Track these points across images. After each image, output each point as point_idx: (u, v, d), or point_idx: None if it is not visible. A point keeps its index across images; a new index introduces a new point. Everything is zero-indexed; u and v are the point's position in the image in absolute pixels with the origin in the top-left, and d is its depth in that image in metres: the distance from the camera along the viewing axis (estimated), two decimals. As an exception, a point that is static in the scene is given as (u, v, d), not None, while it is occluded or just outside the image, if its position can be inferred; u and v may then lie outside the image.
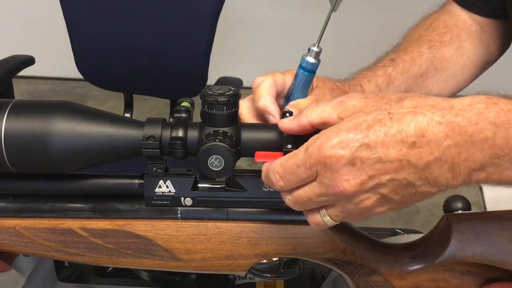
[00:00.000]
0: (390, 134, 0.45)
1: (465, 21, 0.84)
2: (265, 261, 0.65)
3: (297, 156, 0.48)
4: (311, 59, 0.62)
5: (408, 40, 0.83)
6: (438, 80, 0.81)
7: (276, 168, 0.50)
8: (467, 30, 0.83)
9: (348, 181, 0.46)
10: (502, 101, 0.46)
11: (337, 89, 0.69)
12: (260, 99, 0.61)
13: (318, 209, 0.51)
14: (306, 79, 0.64)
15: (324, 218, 0.51)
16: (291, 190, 0.51)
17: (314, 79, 0.65)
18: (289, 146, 0.53)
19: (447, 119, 0.45)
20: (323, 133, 0.48)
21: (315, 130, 0.51)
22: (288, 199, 0.51)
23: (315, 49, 0.62)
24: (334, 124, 0.48)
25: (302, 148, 0.49)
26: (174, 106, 0.67)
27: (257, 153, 0.55)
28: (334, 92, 0.69)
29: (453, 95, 0.84)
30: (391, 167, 0.46)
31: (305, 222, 0.60)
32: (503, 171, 0.46)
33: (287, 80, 0.65)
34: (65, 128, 0.55)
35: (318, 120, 0.50)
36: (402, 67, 0.78)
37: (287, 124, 0.53)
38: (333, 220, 0.51)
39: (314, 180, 0.48)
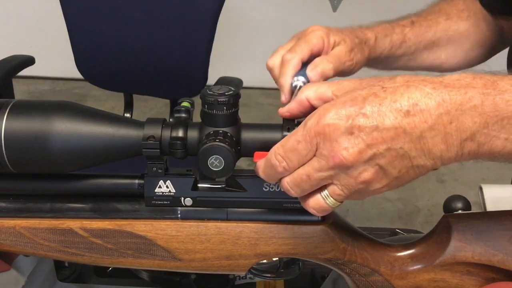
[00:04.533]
0: (385, 104, 0.47)
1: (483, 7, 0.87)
2: (265, 261, 0.65)
3: (297, 133, 0.50)
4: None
5: (430, 9, 0.87)
6: (447, 49, 0.85)
7: (277, 150, 0.51)
8: (484, 13, 0.86)
9: (347, 149, 0.47)
10: (487, 75, 0.49)
11: (355, 47, 0.73)
12: (282, 77, 0.67)
13: (319, 191, 0.51)
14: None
15: (327, 200, 0.51)
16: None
17: (332, 36, 0.71)
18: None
19: (437, 90, 0.47)
20: (320, 107, 0.49)
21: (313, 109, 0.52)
22: (287, 182, 0.51)
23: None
24: (329, 101, 0.51)
25: (300, 125, 0.50)
26: (174, 106, 0.68)
27: (256, 153, 0.55)
28: (352, 52, 0.73)
29: (460, 69, 0.88)
30: (387, 135, 0.47)
31: (305, 222, 0.60)
32: (493, 140, 0.48)
33: (313, 48, 0.69)
34: (65, 128, 0.55)
35: (313, 95, 0.53)
36: (419, 30, 0.83)
37: (287, 107, 0.55)
38: (335, 200, 0.51)
39: (314, 156, 0.49)
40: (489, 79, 0.48)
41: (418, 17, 0.85)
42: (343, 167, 0.48)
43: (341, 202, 0.52)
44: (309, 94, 0.53)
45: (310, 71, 0.67)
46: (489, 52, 0.89)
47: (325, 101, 0.51)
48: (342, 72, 0.72)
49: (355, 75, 0.71)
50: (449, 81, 0.48)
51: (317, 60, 0.68)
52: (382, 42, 0.79)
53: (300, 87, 0.66)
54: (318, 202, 0.52)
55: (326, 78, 0.68)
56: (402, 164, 0.48)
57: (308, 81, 0.67)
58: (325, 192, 0.51)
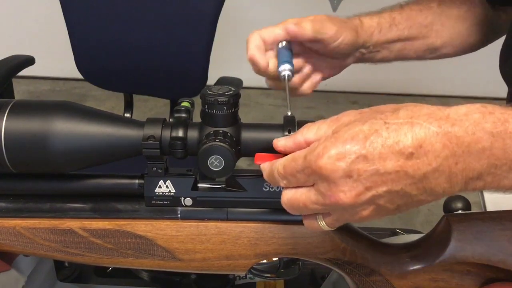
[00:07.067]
0: (387, 145, 0.45)
1: None
2: (265, 261, 0.65)
3: (297, 161, 0.48)
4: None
5: None
6: (442, 35, 0.83)
7: (279, 168, 0.50)
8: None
9: (344, 192, 0.46)
10: (498, 110, 0.45)
11: (334, 18, 0.73)
12: (247, 52, 0.69)
13: (314, 214, 0.51)
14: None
15: (320, 223, 0.51)
16: (290, 191, 0.51)
17: (307, 18, 0.72)
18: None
19: (444, 130, 0.44)
20: (322, 143, 0.47)
21: None
22: (284, 203, 0.51)
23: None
24: None
25: (302, 155, 0.48)
26: (174, 106, 0.68)
27: (257, 155, 0.55)
28: (332, 19, 0.72)
29: (458, 55, 0.86)
30: (388, 178, 0.45)
31: (305, 222, 0.60)
32: (500, 180, 0.46)
33: (276, 30, 0.70)
34: (65, 128, 0.55)
35: (314, 138, 0.50)
36: (408, 14, 0.81)
37: (283, 142, 0.53)
38: (328, 226, 0.51)
39: (313, 185, 0.48)
40: (500, 118, 0.45)
41: (407, 2, 0.84)
42: (340, 206, 0.47)
43: (335, 228, 0.52)
44: (308, 136, 0.51)
45: (291, 25, 0.68)
46: (487, 39, 0.87)
47: None
48: (325, 41, 0.70)
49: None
50: (455, 116, 0.45)
51: (298, 19, 0.70)
52: (369, 23, 0.77)
53: (289, 76, 0.65)
54: (312, 224, 0.52)
55: (304, 34, 0.68)
56: (402, 201, 0.47)
57: (293, 68, 0.66)
58: (320, 217, 0.51)
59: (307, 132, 0.51)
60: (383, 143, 0.45)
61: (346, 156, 0.45)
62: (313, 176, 0.47)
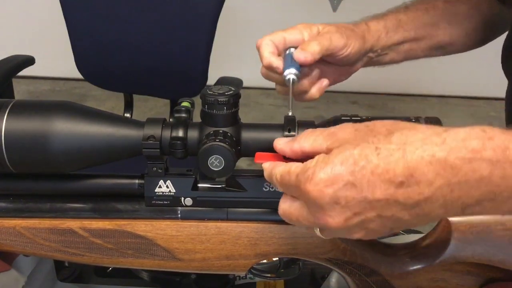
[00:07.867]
0: (376, 173, 0.43)
1: None
2: (265, 261, 0.65)
3: (291, 177, 0.48)
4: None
5: None
6: (450, 32, 0.82)
7: (277, 176, 0.50)
8: None
9: (332, 217, 0.45)
10: (498, 135, 0.43)
11: (342, 27, 0.72)
12: (263, 59, 0.68)
13: None
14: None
15: (316, 231, 0.51)
16: (285, 203, 0.51)
17: (314, 26, 0.71)
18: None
19: (438, 157, 0.42)
20: (313, 166, 0.46)
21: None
22: (280, 214, 0.51)
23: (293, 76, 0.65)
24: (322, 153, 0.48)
25: (296, 171, 0.48)
26: (174, 106, 0.68)
27: (257, 154, 0.55)
28: (340, 29, 0.71)
29: (465, 49, 0.86)
30: (377, 205, 0.44)
31: (305, 222, 0.60)
32: (500, 205, 0.44)
33: (287, 35, 0.69)
34: (65, 128, 0.55)
35: (309, 149, 0.50)
36: (414, 14, 0.80)
37: (281, 146, 0.52)
38: (324, 237, 0.51)
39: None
40: (500, 145, 0.42)
41: (413, 2, 0.83)
42: (329, 229, 0.47)
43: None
44: (304, 146, 0.50)
45: (298, 53, 0.65)
46: (491, 35, 0.87)
47: (319, 153, 0.48)
48: (334, 53, 0.70)
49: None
50: (453, 144, 0.42)
51: (305, 43, 0.68)
52: (376, 27, 0.77)
53: (293, 80, 0.64)
54: (310, 230, 0.52)
55: (315, 58, 0.66)
56: (394, 225, 0.46)
57: (299, 72, 0.66)
58: (317, 228, 0.51)
59: (304, 141, 0.50)
60: (372, 170, 0.43)
61: (334, 183, 0.44)
62: (302, 197, 0.47)
